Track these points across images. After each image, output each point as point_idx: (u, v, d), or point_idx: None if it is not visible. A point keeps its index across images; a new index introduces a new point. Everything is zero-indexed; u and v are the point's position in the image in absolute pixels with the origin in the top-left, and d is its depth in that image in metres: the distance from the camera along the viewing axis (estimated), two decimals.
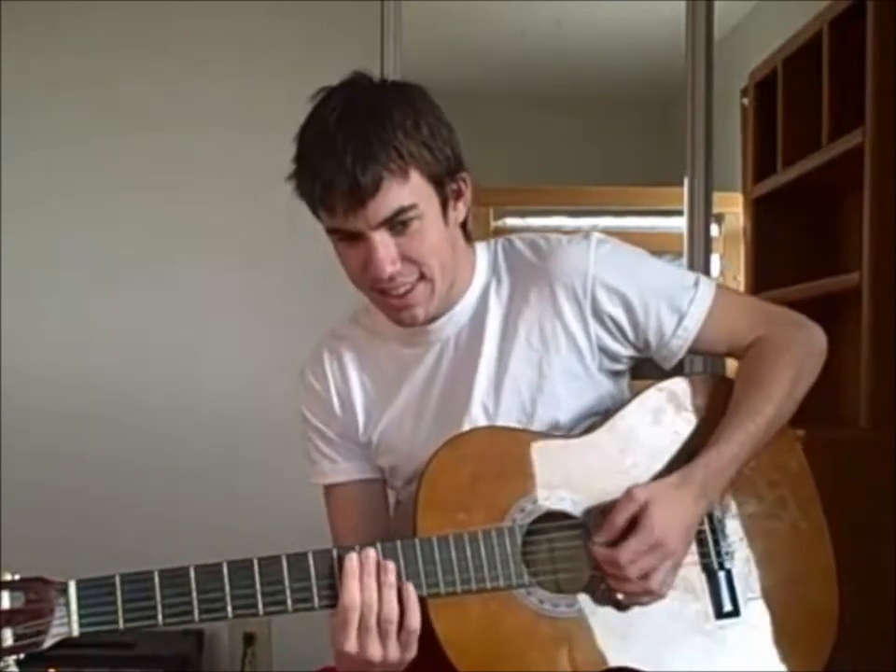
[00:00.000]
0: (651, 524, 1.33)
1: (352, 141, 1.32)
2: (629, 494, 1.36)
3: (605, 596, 1.37)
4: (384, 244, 1.36)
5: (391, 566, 1.29)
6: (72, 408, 2.96)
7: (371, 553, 1.30)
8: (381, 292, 1.42)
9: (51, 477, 2.92)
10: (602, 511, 1.38)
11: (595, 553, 1.35)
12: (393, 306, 1.44)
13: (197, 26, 3.03)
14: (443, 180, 1.39)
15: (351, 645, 1.28)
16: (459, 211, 1.45)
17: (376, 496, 1.55)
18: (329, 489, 1.55)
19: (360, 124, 1.34)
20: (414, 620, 1.28)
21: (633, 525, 1.34)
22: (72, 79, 2.98)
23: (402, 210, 1.35)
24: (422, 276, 1.40)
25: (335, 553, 1.31)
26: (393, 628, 1.28)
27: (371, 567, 1.28)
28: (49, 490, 2.91)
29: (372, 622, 1.27)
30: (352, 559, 1.28)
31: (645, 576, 1.34)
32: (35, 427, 2.93)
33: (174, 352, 3.01)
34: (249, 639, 2.95)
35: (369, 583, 1.27)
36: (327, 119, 1.36)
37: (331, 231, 1.39)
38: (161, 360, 3.00)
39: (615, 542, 1.34)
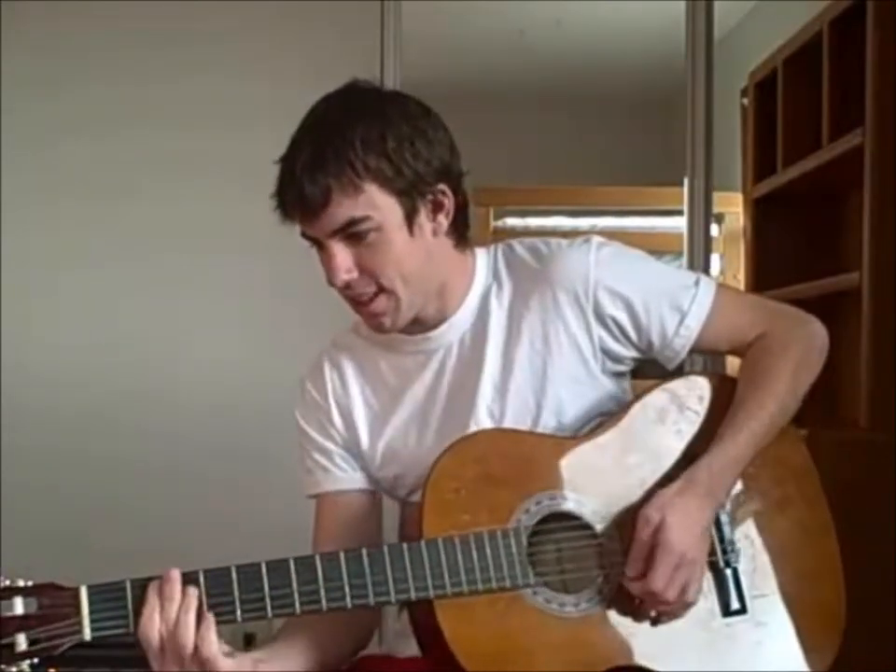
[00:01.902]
0: (670, 543, 1.33)
1: (308, 151, 1.35)
2: (643, 517, 1.35)
3: (611, 596, 1.37)
4: (339, 252, 1.38)
5: (193, 591, 1.27)
6: (72, 407, 2.96)
7: (175, 575, 1.27)
8: (347, 298, 1.44)
9: (51, 476, 2.93)
10: (612, 518, 1.39)
11: (631, 590, 1.35)
12: (360, 313, 1.46)
13: (197, 26, 3.03)
14: (410, 193, 1.38)
15: (156, 665, 1.29)
16: (439, 223, 1.43)
17: (366, 508, 1.54)
18: (319, 498, 1.54)
19: (322, 134, 1.36)
20: (207, 650, 1.27)
21: (653, 546, 1.34)
22: (72, 79, 2.98)
23: (353, 222, 1.36)
24: (381, 288, 1.40)
25: (342, 555, 1.31)
26: (186, 653, 1.26)
27: (174, 593, 1.27)
28: (48, 490, 2.91)
29: (167, 646, 1.27)
30: (154, 586, 1.27)
31: (682, 591, 1.34)
32: (34, 427, 2.93)
33: (174, 351, 3.01)
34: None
35: (168, 609, 1.26)
36: (299, 129, 1.39)
37: (301, 235, 1.42)
38: (161, 360, 3.00)
39: (645, 569, 1.34)
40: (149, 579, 1.27)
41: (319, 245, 1.40)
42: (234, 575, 1.28)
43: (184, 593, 1.27)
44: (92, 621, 1.25)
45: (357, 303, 1.43)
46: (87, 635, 1.25)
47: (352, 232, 1.36)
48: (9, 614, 1.23)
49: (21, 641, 1.22)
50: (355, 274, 1.39)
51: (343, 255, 1.38)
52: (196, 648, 1.26)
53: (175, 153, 2.98)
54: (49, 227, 3.00)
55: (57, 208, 3.00)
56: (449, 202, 1.43)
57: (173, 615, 1.26)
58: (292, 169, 1.35)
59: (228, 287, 3.02)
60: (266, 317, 3.02)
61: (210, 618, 1.27)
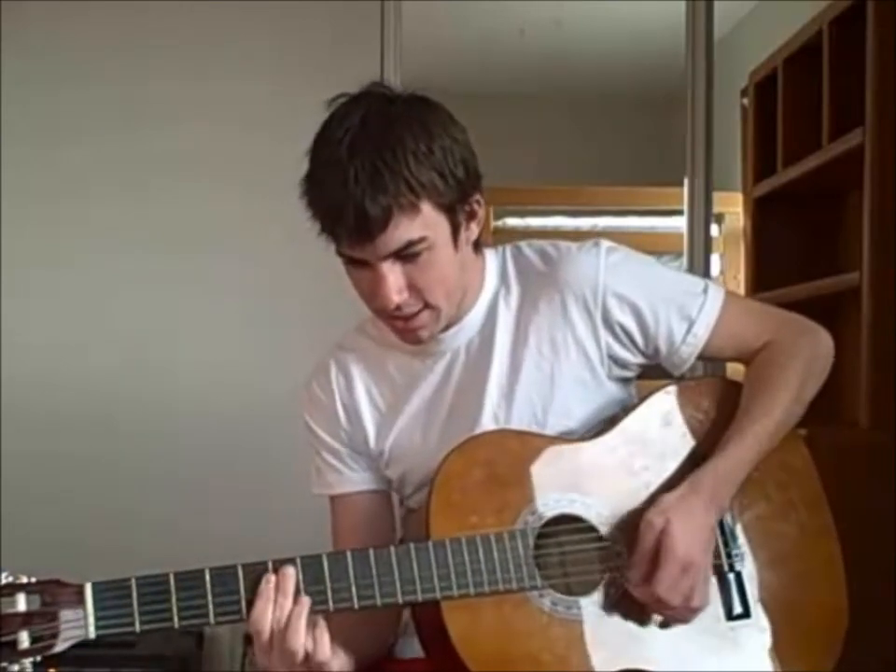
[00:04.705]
0: (674, 548, 1.32)
1: (362, 172, 1.30)
2: (646, 522, 1.34)
3: (616, 599, 1.37)
4: (391, 273, 1.35)
5: (305, 600, 1.27)
6: (72, 408, 2.95)
7: (291, 571, 1.27)
8: (387, 315, 1.42)
9: (49, 479, 2.92)
10: (617, 521, 1.39)
11: (635, 594, 1.35)
12: (398, 328, 1.44)
13: (198, 26, 3.02)
14: (455, 206, 1.38)
15: (262, 662, 1.29)
16: (472, 231, 1.43)
17: (380, 507, 1.55)
18: (333, 500, 1.54)
19: (371, 153, 1.31)
20: (321, 653, 1.27)
21: (657, 551, 1.33)
22: (72, 79, 2.98)
23: (411, 244, 1.34)
24: (426, 304, 1.39)
25: (349, 555, 1.30)
26: (298, 657, 1.26)
27: (288, 588, 1.26)
28: (46, 493, 2.91)
29: (279, 645, 1.26)
30: (270, 580, 1.26)
31: (688, 597, 1.34)
32: (32, 429, 2.92)
33: (174, 352, 3.00)
34: (249, 639, 2.93)
35: (283, 604, 1.26)
36: (339, 144, 1.33)
37: (340, 255, 1.39)
38: (161, 361, 3.00)
39: (649, 574, 1.34)
40: (155, 576, 1.26)
41: (363, 264, 1.36)
42: (240, 574, 1.27)
43: (296, 599, 1.26)
44: (97, 619, 1.23)
45: (397, 318, 1.41)
46: (91, 633, 1.23)
47: (407, 253, 1.34)
48: (12, 611, 1.21)
49: (24, 638, 1.21)
50: (405, 295, 1.37)
51: (395, 276, 1.35)
52: (308, 652, 1.26)
53: (175, 153, 2.97)
54: (49, 227, 3.00)
55: (57, 208, 3.00)
56: (481, 210, 1.43)
57: (286, 613, 1.26)
58: (348, 191, 1.30)
59: (229, 288, 3.02)
60: (268, 319, 3.01)
61: (322, 623, 1.27)
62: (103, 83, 2.98)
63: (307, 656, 1.26)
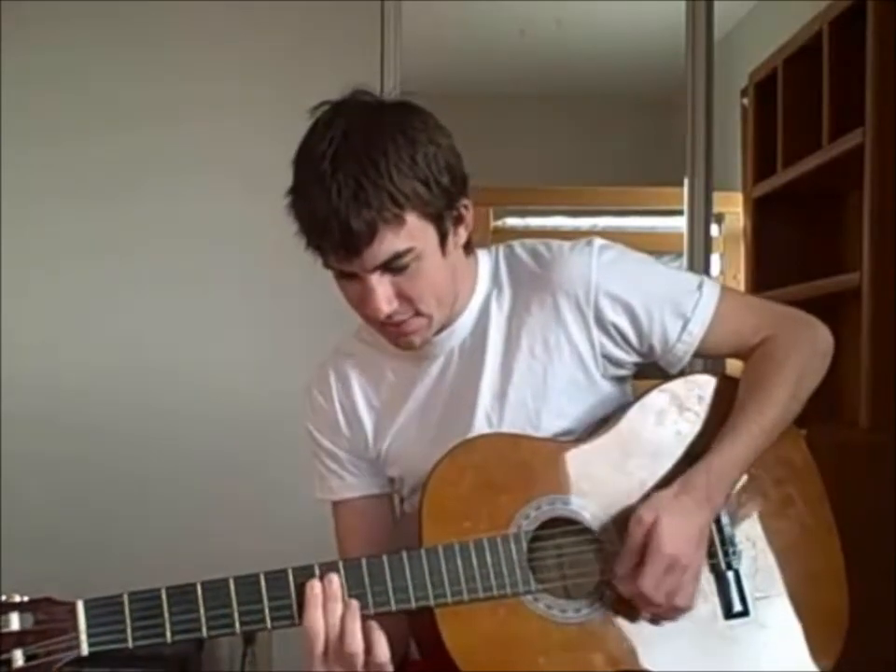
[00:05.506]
0: (660, 545, 1.32)
1: (345, 188, 1.30)
2: (635, 518, 1.34)
3: (613, 601, 1.36)
4: (380, 284, 1.35)
5: (354, 603, 1.28)
6: (73, 411, 2.95)
7: (335, 578, 1.28)
8: (378, 323, 1.42)
9: (52, 480, 2.91)
10: (613, 522, 1.38)
11: (619, 589, 1.35)
12: (390, 335, 1.44)
13: (197, 26, 3.03)
14: (442, 214, 1.37)
15: (317, 664, 1.28)
16: (460, 236, 1.43)
17: (383, 511, 1.55)
18: (336, 505, 1.55)
19: (354, 166, 1.30)
20: (381, 653, 1.28)
21: (644, 547, 1.33)
22: (72, 79, 2.98)
23: (398, 255, 1.34)
24: (418, 312, 1.39)
25: (341, 565, 1.31)
26: (358, 660, 1.27)
27: (336, 593, 1.28)
28: (49, 493, 2.91)
29: (337, 650, 1.27)
30: (314, 587, 1.27)
31: (671, 594, 1.33)
32: (33, 432, 2.91)
33: (175, 354, 3.00)
34: (249, 639, 2.94)
35: (333, 609, 1.27)
36: (322, 157, 1.32)
37: (328, 267, 1.39)
38: (161, 363, 2.99)
39: (634, 569, 1.33)
40: (146, 591, 1.26)
41: (351, 276, 1.37)
42: (232, 586, 1.27)
43: (345, 601, 1.28)
44: (90, 636, 1.24)
45: (389, 326, 1.41)
46: (84, 650, 1.24)
47: (394, 265, 1.34)
48: (6, 630, 1.22)
49: (18, 657, 1.21)
50: (395, 305, 1.37)
51: (383, 287, 1.35)
52: (368, 655, 1.27)
53: (175, 153, 2.97)
54: (49, 227, 3.00)
55: (57, 207, 3.00)
56: (469, 214, 1.43)
57: (338, 618, 1.27)
58: (332, 207, 1.30)
59: (229, 288, 3.01)
60: (268, 319, 3.01)
61: (376, 624, 1.28)
62: (103, 83, 2.98)
63: (368, 659, 1.27)
